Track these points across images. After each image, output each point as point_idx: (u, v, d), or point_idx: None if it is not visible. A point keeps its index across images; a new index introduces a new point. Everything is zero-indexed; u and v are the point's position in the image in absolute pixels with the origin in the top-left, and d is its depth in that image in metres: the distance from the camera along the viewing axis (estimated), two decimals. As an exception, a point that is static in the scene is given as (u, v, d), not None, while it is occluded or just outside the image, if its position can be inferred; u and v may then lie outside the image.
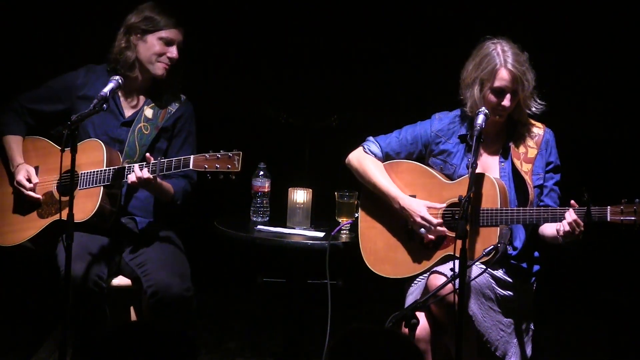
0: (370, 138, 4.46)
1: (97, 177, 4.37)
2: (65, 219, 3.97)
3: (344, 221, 4.54)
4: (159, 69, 4.49)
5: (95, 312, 4.31)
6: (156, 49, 4.47)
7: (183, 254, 4.51)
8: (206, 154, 4.24)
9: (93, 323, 4.31)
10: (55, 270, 4.37)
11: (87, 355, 4.30)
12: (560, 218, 4.07)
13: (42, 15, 5.75)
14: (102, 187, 4.36)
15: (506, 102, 4.21)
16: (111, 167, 4.36)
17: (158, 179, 4.33)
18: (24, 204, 4.53)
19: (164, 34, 4.47)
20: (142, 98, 4.57)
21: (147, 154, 4.37)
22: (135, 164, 4.31)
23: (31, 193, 4.48)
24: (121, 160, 4.45)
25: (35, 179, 4.49)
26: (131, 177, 4.29)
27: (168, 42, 4.47)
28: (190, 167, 4.24)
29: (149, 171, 4.28)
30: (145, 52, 4.48)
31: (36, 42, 5.76)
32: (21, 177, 4.48)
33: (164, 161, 4.28)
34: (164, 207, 4.55)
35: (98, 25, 5.53)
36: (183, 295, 4.33)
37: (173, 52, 4.47)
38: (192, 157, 4.26)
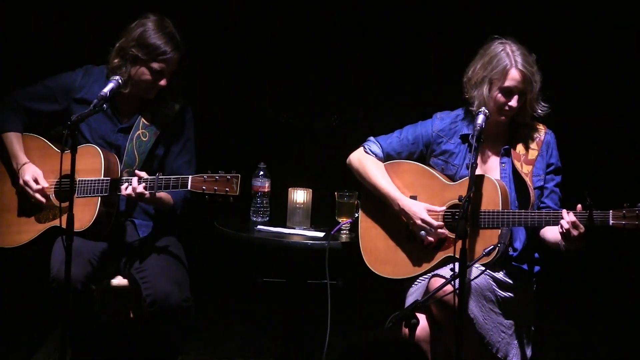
0: (371, 138, 4.44)
1: (94, 187, 4.31)
2: (65, 227, 3.91)
3: (344, 221, 4.54)
4: (149, 94, 4.42)
5: (82, 312, 4.26)
6: (147, 77, 4.37)
7: (183, 263, 4.47)
8: (204, 175, 4.19)
9: (81, 322, 4.27)
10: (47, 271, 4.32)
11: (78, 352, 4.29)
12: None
13: (42, 11, 5.74)
14: (99, 198, 4.32)
15: (513, 102, 4.20)
16: (109, 178, 4.31)
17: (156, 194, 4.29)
18: (23, 205, 4.48)
19: (156, 65, 4.35)
20: (139, 104, 4.49)
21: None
22: (133, 178, 4.27)
23: (38, 195, 4.40)
24: (119, 168, 4.41)
25: (43, 182, 4.40)
26: (126, 191, 4.25)
27: (159, 73, 4.37)
28: (188, 187, 4.19)
29: (145, 188, 4.24)
30: (137, 77, 4.37)
31: (34, 38, 5.74)
32: (29, 177, 4.40)
33: (162, 178, 4.24)
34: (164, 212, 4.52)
35: (98, 22, 5.53)
36: (181, 306, 4.31)
37: (164, 81, 4.38)
38: (190, 177, 4.20)
